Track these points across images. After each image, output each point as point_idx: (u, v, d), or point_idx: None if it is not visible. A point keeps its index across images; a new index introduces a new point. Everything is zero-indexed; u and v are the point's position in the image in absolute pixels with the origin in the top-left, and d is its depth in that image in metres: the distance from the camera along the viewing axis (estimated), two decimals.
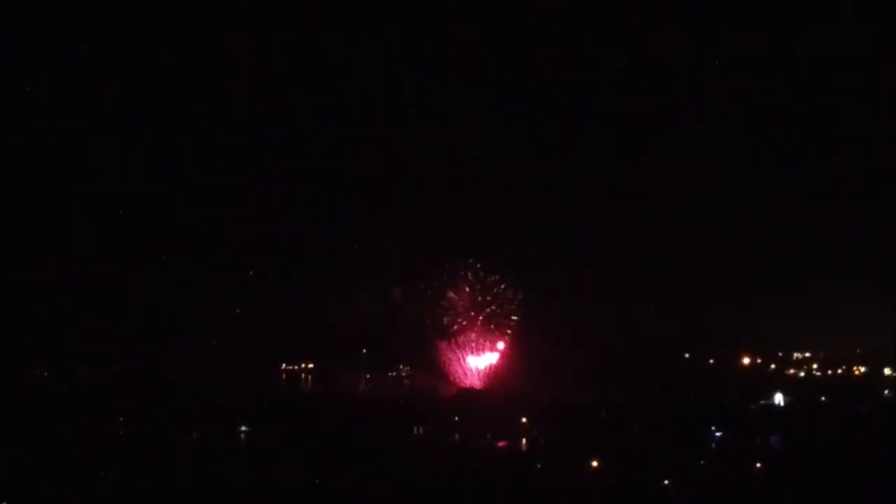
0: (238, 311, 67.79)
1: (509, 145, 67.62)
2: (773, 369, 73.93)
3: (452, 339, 70.67)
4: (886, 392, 68.21)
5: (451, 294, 69.98)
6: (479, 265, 69.95)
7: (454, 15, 64.92)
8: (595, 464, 52.99)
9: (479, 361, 70.92)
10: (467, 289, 70.14)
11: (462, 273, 70.00)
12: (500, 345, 71.00)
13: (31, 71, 62.06)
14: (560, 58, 66.48)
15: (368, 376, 72.38)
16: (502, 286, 70.17)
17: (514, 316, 70.52)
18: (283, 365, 73.39)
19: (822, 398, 67.81)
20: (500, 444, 60.03)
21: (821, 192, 67.70)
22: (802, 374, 73.28)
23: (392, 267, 67.81)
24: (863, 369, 71.72)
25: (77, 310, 65.59)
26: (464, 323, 70.54)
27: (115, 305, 66.54)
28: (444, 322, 70.34)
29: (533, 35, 65.15)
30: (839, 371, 72.68)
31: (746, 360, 73.44)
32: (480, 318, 70.47)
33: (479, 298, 70.31)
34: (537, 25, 64.86)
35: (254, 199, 68.35)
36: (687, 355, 73.05)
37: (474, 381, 70.85)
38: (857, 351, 72.50)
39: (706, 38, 64.81)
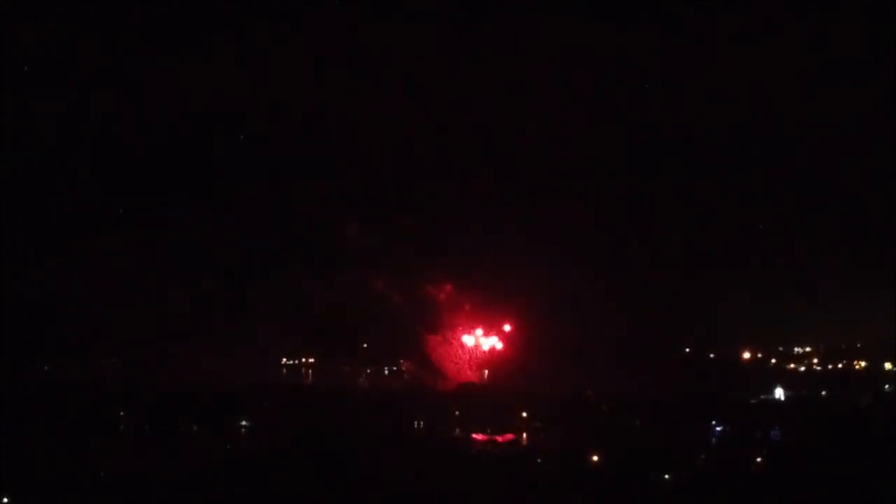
0: (238, 306, 67.78)
1: (500, 140, 67.64)
2: (774, 364, 73.93)
3: (451, 335, 70.68)
4: (887, 386, 68.23)
5: (435, 289, 70.05)
6: (471, 261, 69.77)
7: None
8: (595, 458, 53.07)
9: (478, 355, 70.94)
10: (458, 284, 70.17)
11: (454, 269, 69.96)
12: (497, 340, 71.05)
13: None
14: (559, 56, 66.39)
15: (368, 371, 72.52)
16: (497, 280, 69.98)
17: (510, 310, 70.55)
18: (283, 360, 73.47)
19: (823, 392, 67.91)
20: (501, 438, 60.17)
21: (822, 182, 67.54)
22: (803, 368, 73.27)
23: (391, 263, 67.91)
24: (863, 363, 71.74)
25: (75, 303, 65.62)
26: (458, 318, 70.63)
27: (113, 299, 66.51)
28: (438, 318, 70.45)
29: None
30: (839, 365, 72.70)
31: (747, 355, 73.45)
32: (474, 313, 70.56)
33: (473, 293, 70.36)
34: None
35: (255, 194, 68.28)
36: (687, 350, 73.05)
37: (474, 376, 70.87)
38: (858, 345, 72.51)
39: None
